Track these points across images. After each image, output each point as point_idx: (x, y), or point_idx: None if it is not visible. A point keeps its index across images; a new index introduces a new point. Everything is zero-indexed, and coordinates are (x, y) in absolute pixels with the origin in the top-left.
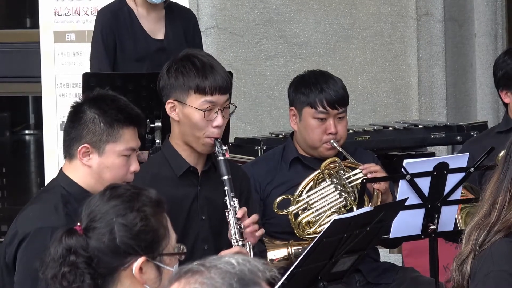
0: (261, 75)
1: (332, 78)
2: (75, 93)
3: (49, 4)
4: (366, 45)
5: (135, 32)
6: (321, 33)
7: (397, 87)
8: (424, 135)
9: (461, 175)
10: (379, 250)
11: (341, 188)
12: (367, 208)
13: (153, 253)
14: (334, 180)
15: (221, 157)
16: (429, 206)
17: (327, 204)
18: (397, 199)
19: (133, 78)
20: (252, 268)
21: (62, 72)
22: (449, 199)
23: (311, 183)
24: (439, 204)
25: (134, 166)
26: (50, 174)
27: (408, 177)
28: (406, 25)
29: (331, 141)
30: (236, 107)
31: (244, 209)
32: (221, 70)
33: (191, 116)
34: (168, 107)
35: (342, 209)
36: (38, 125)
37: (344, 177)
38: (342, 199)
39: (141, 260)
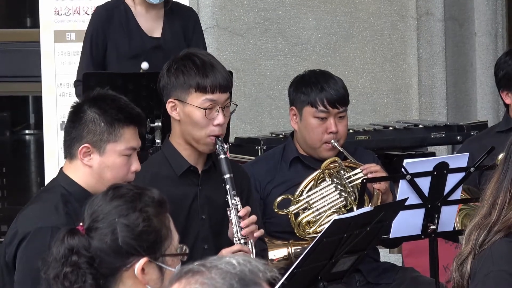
0: (261, 75)
1: (332, 78)
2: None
3: (49, 3)
4: (366, 44)
5: (130, 30)
6: (321, 32)
7: (397, 86)
8: (424, 135)
9: (461, 175)
10: (379, 250)
11: (342, 188)
12: (367, 208)
13: (155, 253)
14: (335, 180)
15: (222, 156)
16: (429, 206)
17: (328, 204)
18: (397, 199)
19: (133, 77)
20: (252, 268)
21: (63, 72)
22: (449, 199)
23: (312, 182)
24: (439, 204)
25: (135, 166)
26: (50, 174)
27: (408, 177)
28: (406, 25)
29: (332, 140)
30: (236, 105)
31: (248, 208)
32: (221, 69)
33: (192, 115)
34: (169, 106)
35: (343, 209)
36: (38, 125)
37: (344, 177)
38: (342, 199)
39: (143, 260)
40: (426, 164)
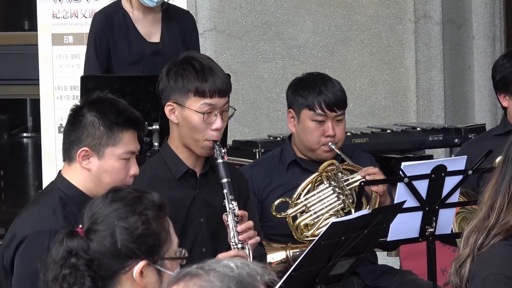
0: (259, 78)
1: (330, 81)
2: (73, 96)
3: (47, 6)
4: (364, 47)
5: (129, 35)
6: (319, 35)
7: (395, 89)
8: (422, 138)
9: (459, 177)
10: (377, 252)
11: (339, 191)
12: (365, 211)
13: (154, 257)
14: (332, 182)
15: (220, 160)
16: (427, 209)
17: (325, 207)
18: (395, 201)
19: (131, 80)
20: (250, 271)
21: (60, 75)
22: (447, 202)
23: (309, 185)
24: (437, 207)
25: (134, 170)
26: (48, 177)
27: (406, 179)
28: (404, 28)
29: (329, 143)
30: (235, 110)
31: (245, 212)
32: (220, 73)
33: (190, 119)
34: (167, 109)
35: (340, 212)
36: (36, 128)
37: (342, 179)
38: (340, 201)
39: (142, 264)
40: (424, 167)
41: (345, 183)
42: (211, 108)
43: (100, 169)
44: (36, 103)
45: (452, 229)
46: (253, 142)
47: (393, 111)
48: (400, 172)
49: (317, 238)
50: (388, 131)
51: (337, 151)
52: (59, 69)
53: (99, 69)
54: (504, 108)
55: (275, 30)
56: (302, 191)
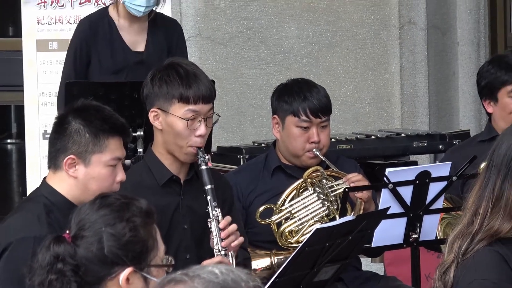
0: (243, 84)
1: (315, 87)
2: None
3: (32, 12)
4: (349, 53)
5: (113, 44)
6: (304, 41)
7: (380, 95)
8: (407, 144)
9: (443, 184)
10: (361, 259)
11: (324, 197)
12: (349, 217)
13: (140, 264)
14: (317, 189)
15: (203, 166)
16: (411, 215)
17: (310, 213)
18: (379, 208)
19: (115, 86)
20: (235, 278)
21: (45, 81)
22: (431, 208)
23: (294, 192)
24: (421, 213)
25: (120, 176)
26: (32, 183)
27: (390, 186)
28: (388, 34)
29: (314, 149)
30: (219, 116)
31: (228, 218)
32: (205, 79)
33: (174, 125)
34: (151, 115)
35: (325, 218)
36: (20, 134)
37: (326, 186)
38: (324, 208)
39: (128, 270)
40: (408, 173)
41: (329, 190)
42: (195, 115)
43: (86, 177)
44: (20, 109)
45: (436, 235)
46: (237, 148)
47: (377, 117)
48: (385, 178)
49: (301, 244)
50: (373, 137)
51: (322, 157)
52: (44, 75)
53: (73, 77)
54: (489, 114)
55: (259, 36)
56: (287, 197)
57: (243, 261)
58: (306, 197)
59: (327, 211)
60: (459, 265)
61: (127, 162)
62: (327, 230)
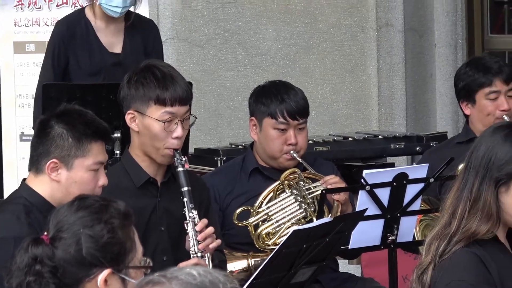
0: (221, 86)
1: (293, 89)
2: None
3: (9, 14)
4: (326, 55)
5: (91, 45)
6: (281, 43)
7: (357, 97)
8: (384, 146)
9: (420, 185)
10: (338, 260)
11: (301, 199)
12: (326, 219)
13: (118, 265)
14: (294, 191)
15: (180, 168)
16: (389, 216)
17: (287, 216)
18: (357, 209)
19: (93, 88)
20: (213, 279)
21: (22, 83)
22: (408, 209)
23: (271, 194)
24: (398, 215)
25: (102, 180)
26: (9, 185)
27: (367, 187)
28: (366, 36)
29: (291, 151)
30: (196, 118)
31: (205, 221)
32: (181, 81)
33: (151, 127)
34: (128, 118)
35: (302, 220)
36: None
37: (304, 188)
38: (302, 210)
39: (106, 272)
40: (385, 175)
41: (307, 192)
42: (171, 117)
43: (69, 181)
44: None
45: (414, 237)
46: (215, 150)
47: (355, 119)
48: (362, 180)
49: (278, 246)
50: (350, 139)
51: (299, 159)
52: (21, 77)
53: (52, 79)
54: (466, 116)
55: (237, 38)
56: (264, 199)
57: (219, 263)
58: (283, 199)
59: (304, 213)
60: (437, 266)
61: None
62: (304, 232)
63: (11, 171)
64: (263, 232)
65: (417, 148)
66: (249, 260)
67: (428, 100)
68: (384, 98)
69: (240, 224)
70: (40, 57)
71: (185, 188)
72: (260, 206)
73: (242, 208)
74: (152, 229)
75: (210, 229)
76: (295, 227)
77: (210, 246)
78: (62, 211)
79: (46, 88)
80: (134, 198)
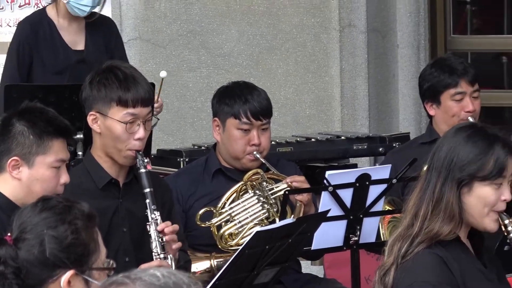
0: (183, 87)
1: (256, 90)
2: None
3: None
4: (289, 56)
5: (55, 44)
6: (244, 44)
7: (320, 98)
8: (347, 147)
9: (383, 186)
10: (301, 261)
11: (264, 200)
12: (289, 220)
13: (82, 266)
14: (257, 191)
15: (142, 170)
16: (351, 217)
17: (250, 216)
18: (319, 210)
19: (55, 89)
20: (177, 281)
21: None
22: (371, 210)
23: (234, 195)
24: (361, 216)
25: (64, 178)
26: None
27: (330, 188)
28: (329, 36)
29: (254, 152)
30: (158, 119)
31: (167, 222)
32: (143, 82)
33: (113, 129)
34: (90, 119)
35: (265, 221)
36: None
37: (267, 188)
38: (264, 210)
39: (70, 273)
40: (348, 175)
41: (269, 192)
42: (133, 118)
43: (30, 178)
44: None
45: (379, 237)
46: (177, 151)
47: (317, 120)
48: (325, 181)
49: (241, 247)
50: (313, 140)
51: (262, 160)
52: None
53: (18, 79)
54: (430, 117)
55: (200, 39)
56: (227, 200)
57: (184, 264)
58: (246, 199)
59: (267, 214)
60: (399, 267)
61: None
62: (267, 233)
63: None
64: (226, 233)
65: (380, 149)
66: (212, 260)
67: (390, 101)
68: (346, 98)
69: (203, 225)
70: (2, 58)
71: (147, 190)
72: (223, 207)
73: (205, 209)
74: (114, 230)
75: (172, 231)
76: (258, 228)
77: (173, 247)
78: (25, 212)
79: (8, 89)
80: (96, 199)
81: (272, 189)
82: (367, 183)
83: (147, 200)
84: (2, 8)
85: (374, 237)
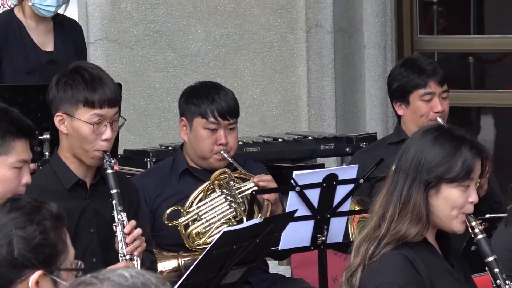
0: (150, 87)
1: (223, 89)
2: None
3: None
4: (256, 56)
5: (25, 44)
6: (211, 44)
7: (287, 98)
8: (314, 147)
9: (350, 186)
10: (268, 261)
11: (231, 199)
12: (256, 220)
13: (50, 267)
14: (224, 191)
15: (109, 171)
16: (319, 217)
17: (217, 215)
18: (287, 210)
19: (21, 90)
20: (145, 281)
21: None
22: (338, 210)
23: (201, 194)
24: (328, 216)
25: (26, 178)
26: None
27: (297, 188)
28: (295, 37)
29: (221, 152)
30: (125, 120)
31: (133, 223)
32: (110, 83)
33: (79, 130)
34: (56, 120)
35: (232, 220)
36: None
37: (234, 188)
38: (232, 210)
39: (38, 273)
40: (315, 175)
41: (237, 191)
42: (100, 119)
43: None
44: None
45: (347, 237)
46: (144, 152)
47: (284, 120)
48: (292, 181)
49: (208, 247)
50: (280, 140)
51: (230, 159)
52: None
53: None
54: (399, 117)
55: (166, 39)
56: (194, 199)
57: (150, 264)
58: (214, 199)
59: (234, 213)
60: (366, 268)
61: (32, 165)
62: (234, 233)
63: None
64: (193, 232)
65: (347, 149)
66: (179, 260)
67: (357, 101)
68: (313, 99)
69: (170, 224)
70: None
71: (114, 191)
72: (190, 206)
73: (172, 208)
74: (81, 231)
75: (139, 231)
76: (226, 228)
77: (139, 248)
78: None
79: None
80: (63, 200)
81: (240, 188)
82: (334, 183)
83: (114, 201)
84: None
85: (341, 237)
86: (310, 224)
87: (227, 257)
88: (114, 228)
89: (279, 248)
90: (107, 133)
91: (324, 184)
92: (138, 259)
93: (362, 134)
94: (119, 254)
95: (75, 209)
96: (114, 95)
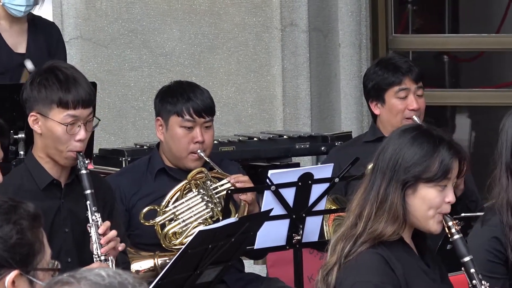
0: (125, 86)
1: (199, 88)
2: None
3: None
4: (231, 55)
5: None
6: (186, 43)
7: (262, 97)
8: (289, 146)
9: (326, 185)
10: (244, 261)
11: (208, 199)
12: (232, 219)
13: (27, 267)
14: (201, 190)
15: (83, 171)
16: (294, 216)
17: (194, 215)
18: (262, 210)
19: None
20: (122, 280)
21: None
22: (313, 209)
23: (178, 193)
24: (303, 215)
25: None
26: None
27: (273, 187)
28: (270, 36)
29: (198, 150)
30: (99, 120)
31: (107, 223)
32: (84, 83)
33: (53, 130)
34: (30, 120)
35: (209, 220)
36: None
37: (211, 187)
38: (208, 209)
39: (14, 273)
40: (290, 174)
41: (213, 191)
42: (74, 120)
43: None
44: None
45: (323, 235)
46: (119, 151)
47: (259, 119)
48: (267, 180)
49: (184, 246)
50: (255, 139)
51: (206, 158)
52: None
53: None
54: (374, 116)
55: (141, 38)
56: (171, 199)
57: (123, 265)
58: (190, 198)
59: (211, 213)
60: (342, 267)
61: None
62: (209, 232)
63: None
64: (170, 232)
65: (322, 148)
66: (156, 259)
67: (332, 100)
68: (288, 98)
69: (146, 223)
70: None
71: (88, 191)
72: (167, 206)
73: (148, 207)
74: (56, 231)
75: (113, 233)
76: (201, 227)
77: (112, 250)
78: None
79: None
80: (37, 200)
81: (216, 188)
82: (310, 182)
83: (88, 202)
84: None
85: (317, 236)
86: (285, 223)
87: (202, 256)
88: (89, 228)
89: (255, 247)
90: (81, 134)
91: (300, 183)
92: (113, 259)
93: (337, 133)
94: (94, 255)
95: (50, 209)
96: (88, 96)
